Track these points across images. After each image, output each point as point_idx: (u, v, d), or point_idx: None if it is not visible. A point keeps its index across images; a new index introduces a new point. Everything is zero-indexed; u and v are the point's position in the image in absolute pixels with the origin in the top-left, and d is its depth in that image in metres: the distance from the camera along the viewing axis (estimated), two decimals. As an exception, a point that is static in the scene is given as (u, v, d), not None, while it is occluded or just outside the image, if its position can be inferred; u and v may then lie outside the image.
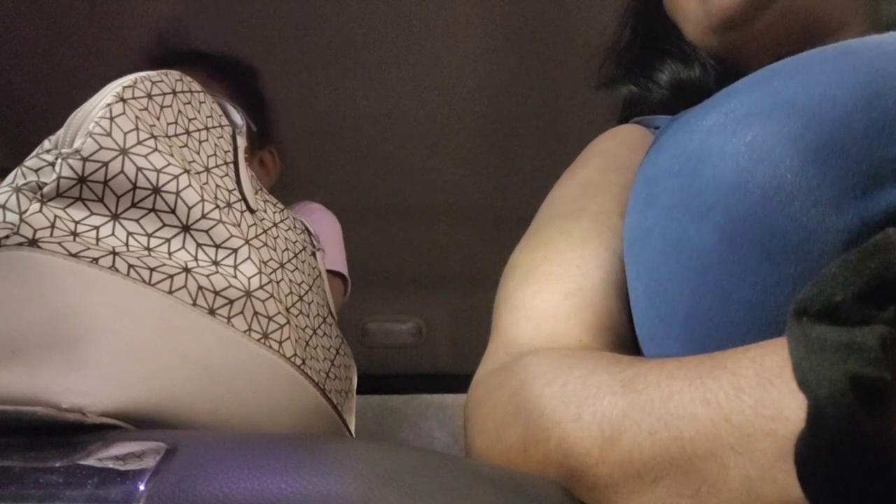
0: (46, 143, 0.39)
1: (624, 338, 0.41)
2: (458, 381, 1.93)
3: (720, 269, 0.32)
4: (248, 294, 0.40)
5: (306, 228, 0.57)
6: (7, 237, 0.34)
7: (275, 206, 0.53)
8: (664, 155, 0.38)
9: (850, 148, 0.30)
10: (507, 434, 0.35)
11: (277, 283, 0.44)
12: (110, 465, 0.30)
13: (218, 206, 0.40)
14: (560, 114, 1.13)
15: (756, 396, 0.26)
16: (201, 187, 0.40)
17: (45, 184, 0.36)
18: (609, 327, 0.41)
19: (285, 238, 0.50)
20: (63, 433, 0.32)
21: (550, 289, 0.43)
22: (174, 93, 0.44)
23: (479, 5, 0.95)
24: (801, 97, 0.33)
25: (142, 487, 0.28)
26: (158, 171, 0.38)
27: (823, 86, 0.32)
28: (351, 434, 0.52)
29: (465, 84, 1.07)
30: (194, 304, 0.37)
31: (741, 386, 0.27)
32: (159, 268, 0.37)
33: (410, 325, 1.60)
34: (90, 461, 0.30)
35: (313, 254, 0.56)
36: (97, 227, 0.37)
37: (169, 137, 0.41)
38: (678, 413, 0.28)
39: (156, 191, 0.38)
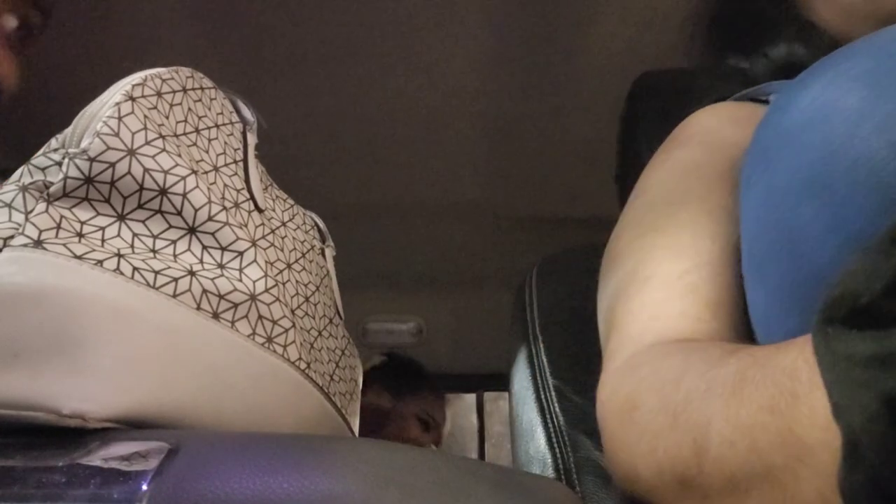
0: (53, 142, 0.39)
1: (743, 311, 0.39)
2: (458, 381, 1.94)
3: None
4: (252, 298, 0.40)
5: (316, 224, 0.57)
6: (12, 237, 0.34)
7: (284, 201, 0.53)
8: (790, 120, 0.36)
9: None
10: (631, 444, 0.35)
11: (283, 284, 0.44)
12: (113, 464, 0.30)
13: (225, 208, 0.40)
14: (560, 114, 1.13)
15: (810, 405, 0.24)
16: (209, 188, 0.40)
17: (52, 183, 0.36)
18: (727, 302, 0.40)
19: (293, 238, 0.50)
20: (65, 433, 0.32)
21: (664, 271, 0.42)
22: (184, 90, 0.43)
23: (479, 6, 0.95)
24: None
25: (144, 487, 0.28)
26: (166, 173, 0.38)
27: None
28: (354, 435, 0.52)
29: (465, 84, 1.07)
30: (198, 308, 0.37)
31: (797, 392, 0.25)
32: (164, 270, 0.37)
33: (410, 325, 1.60)
34: (92, 461, 0.30)
35: (322, 252, 0.56)
36: (103, 228, 0.37)
37: (178, 136, 0.41)
38: (750, 422, 0.27)
39: (163, 192, 0.38)
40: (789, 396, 0.25)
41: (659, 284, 0.41)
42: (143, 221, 0.38)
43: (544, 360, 0.61)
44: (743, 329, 0.39)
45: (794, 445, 0.25)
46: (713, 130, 0.51)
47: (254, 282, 0.40)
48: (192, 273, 0.38)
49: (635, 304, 0.42)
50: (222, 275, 0.39)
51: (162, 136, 0.39)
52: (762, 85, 0.57)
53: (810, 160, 0.33)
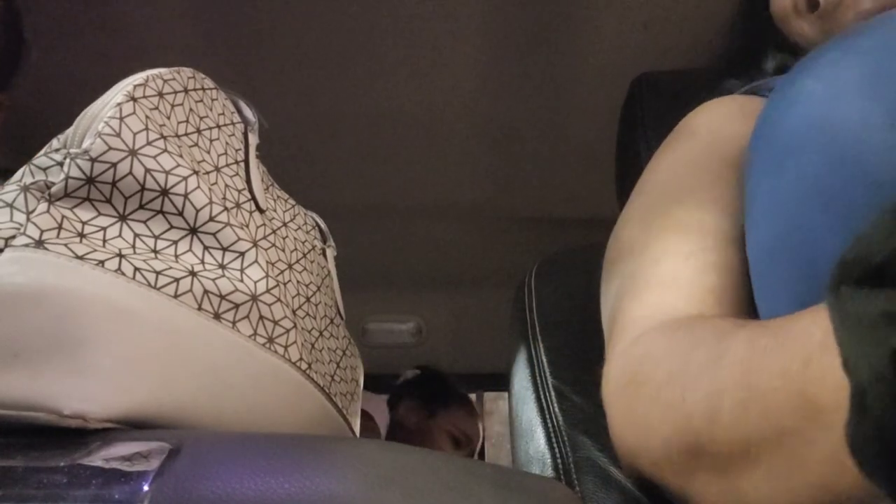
0: (55, 142, 0.39)
1: (747, 300, 0.40)
2: (458, 381, 1.93)
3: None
4: (253, 298, 0.40)
5: (317, 224, 0.57)
6: (13, 237, 0.34)
7: (286, 202, 0.53)
8: (784, 117, 0.37)
9: None
10: (639, 420, 0.35)
11: (285, 284, 0.44)
12: (114, 465, 0.30)
13: (226, 208, 0.40)
14: (560, 114, 1.13)
15: (822, 367, 0.24)
16: (210, 188, 0.40)
17: (53, 183, 0.36)
18: (731, 287, 0.40)
19: (294, 238, 0.50)
20: (66, 433, 0.32)
21: (671, 253, 0.42)
22: (186, 91, 0.43)
23: (479, 6, 0.95)
24: None
25: (145, 488, 0.28)
26: (167, 173, 0.38)
27: None
28: (355, 435, 0.52)
29: (465, 84, 1.07)
30: (199, 309, 0.37)
31: (810, 355, 0.25)
32: (165, 271, 0.37)
33: (410, 324, 1.60)
34: (94, 461, 0.30)
35: (323, 252, 0.56)
36: (104, 228, 0.37)
37: (179, 137, 0.41)
38: (762, 388, 0.27)
39: (164, 192, 0.38)
40: (802, 360, 0.25)
41: (664, 270, 0.42)
42: (144, 222, 0.38)
43: (544, 360, 0.61)
44: (746, 316, 0.39)
45: (807, 408, 0.25)
46: (717, 123, 0.52)
47: (255, 282, 0.40)
48: (193, 273, 0.38)
49: (641, 287, 0.42)
50: (223, 275, 0.39)
51: (163, 137, 0.39)
52: (766, 79, 0.57)
53: (818, 171, 0.33)
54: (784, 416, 0.26)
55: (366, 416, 1.62)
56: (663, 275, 0.42)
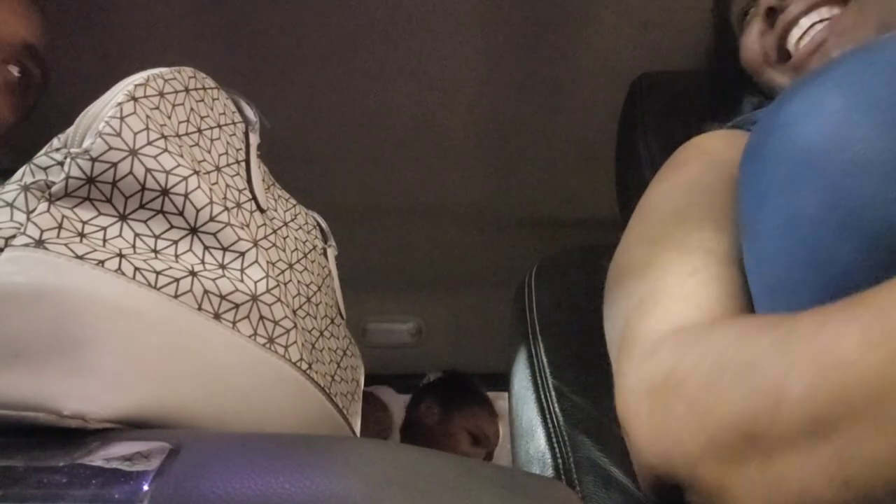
0: (55, 142, 0.39)
1: (749, 306, 0.40)
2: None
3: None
4: (254, 298, 0.40)
5: (318, 224, 0.57)
6: (14, 237, 0.34)
7: (286, 201, 0.53)
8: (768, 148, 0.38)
9: None
10: (673, 423, 0.35)
11: (285, 284, 0.44)
12: (114, 465, 0.30)
13: (227, 208, 0.40)
14: (560, 114, 1.13)
15: None
16: (210, 188, 0.40)
17: (54, 183, 0.36)
18: (736, 296, 0.41)
19: (295, 238, 0.50)
20: (66, 433, 0.32)
21: (674, 271, 0.43)
22: (187, 90, 0.43)
23: (479, 6, 0.95)
24: None
25: (145, 488, 0.28)
26: (168, 173, 0.38)
27: None
28: (355, 435, 0.52)
29: (466, 84, 1.07)
30: (199, 309, 0.37)
31: (890, 332, 0.25)
32: (165, 271, 0.37)
33: (410, 325, 1.60)
34: (93, 461, 0.30)
35: (324, 252, 0.56)
36: (105, 228, 0.37)
37: (179, 137, 0.41)
38: (833, 365, 0.27)
39: (164, 192, 0.38)
40: (882, 332, 0.25)
41: (671, 286, 0.42)
42: (144, 221, 0.38)
43: (544, 360, 0.61)
44: None
45: (883, 386, 0.25)
46: (707, 151, 0.53)
47: (255, 282, 0.40)
48: (193, 273, 0.38)
49: (649, 304, 0.42)
50: (224, 275, 0.39)
51: (164, 137, 0.39)
52: (749, 114, 0.58)
53: (839, 195, 0.33)
54: (855, 393, 0.26)
55: (381, 407, 1.62)
56: (671, 290, 0.42)
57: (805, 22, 0.56)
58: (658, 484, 0.38)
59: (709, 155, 0.53)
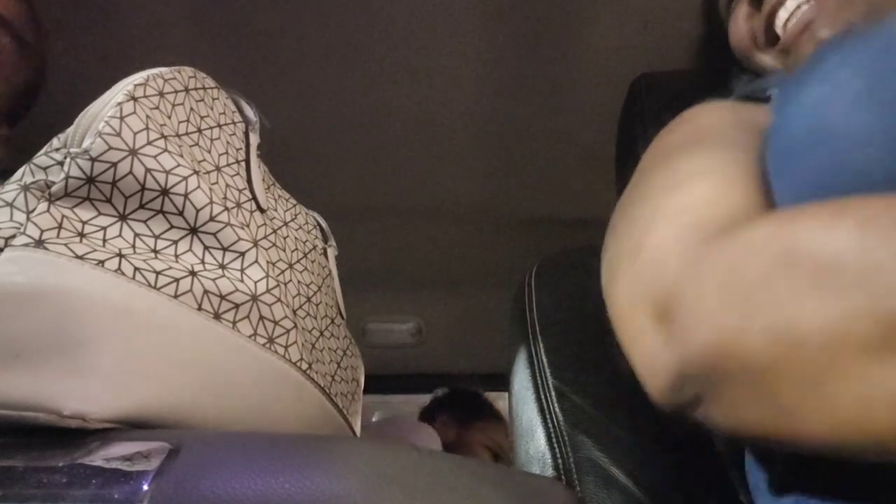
0: (55, 142, 0.39)
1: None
2: (458, 381, 1.92)
3: None
4: (254, 298, 0.40)
5: (318, 224, 0.57)
6: (13, 237, 0.34)
7: (287, 201, 0.53)
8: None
9: None
10: (775, 303, 0.32)
11: (285, 284, 0.44)
12: (114, 465, 0.30)
13: (227, 208, 0.40)
14: (560, 114, 1.13)
15: None
16: (210, 188, 0.40)
17: (54, 183, 0.36)
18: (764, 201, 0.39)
19: (295, 238, 0.50)
20: (66, 433, 0.32)
21: (693, 185, 0.41)
22: (187, 90, 0.43)
23: (479, 6, 0.95)
24: None
25: (145, 487, 0.28)
26: (167, 173, 0.38)
27: None
28: (355, 435, 0.52)
29: (465, 84, 1.07)
30: (199, 309, 0.37)
31: None
32: (165, 271, 0.37)
33: (410, 325, 1.60)
34: (93, 461, 0.31)
35: (324, 252, 0.56)
36: (104, 228, 0.37)
37: (179, 136, 0.41)
38: None
39: (164, 192, 0.38)
40: None
41: (693, 193, 0.40)
42: (144, 221, 0.38)
43: (544, 360, 0.61)
44: None
45: None
46: (709, 111, 0.51)
47: (255, 282, 0.40)
48: (193, 273, 0.38)
49: (670, 214, 0.40)
50: (224, 275, 0.39)
51: (164, 136, 0.39)
52: (761, 81, 0.57)
53: (817, 176, 0.33)
54: None
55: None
56: (694, 202, 0.39)
57: (791, 3, 0.55)
58: (677, 391, 0.36)
59: (707, 113, 0.50)
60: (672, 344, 0.35)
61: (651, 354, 0.37)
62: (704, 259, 0.35)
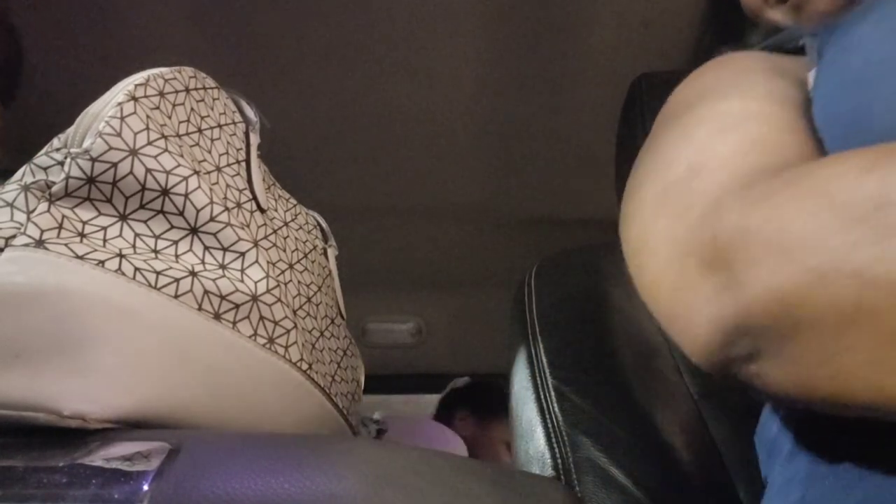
0: (56, 142, 0.39)
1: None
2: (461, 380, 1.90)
3: None
4: (254, 298, 0.40)
5: (319, 224, 0.57)
6: (14, 237, 0.34)
7: (287, 201, 0.53)
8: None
9: None
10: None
11: (285, 284, 0.44)
12: (114, 465, 0.30)
13: (227, 208, 0.40)
14: (560, 114, 1.13)
15: None
16: (210, 188, 0.40)
17: (54, 183, 0.36)
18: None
19: (295, 238, 0.50)
20: (66, 433, 0.32)
21: (744, 128, 0.39)
22: (187, 90, 0.43)
23: (479, 6, 0.95)
24: None
25: (145, 488, 0.28)
26: (168, 173, 0.38)
27: None
28: (355, 435, 0.52)
29: (465, 84, 1.07)
30: (200, 309, 0.37)
31: None
32: (166, 271, 0.37)
33: (410, 325, 1.60)
34: (93, 461, 0.31)
35: (324, 252, 0.56)
36: (105, 228, 0.37)
37: (180, 136, 0.41)
38: None
39: (164, 192, 0.38)
40: None
41: (751, 126, 0.38)
42: (144, 222, 0.38)
43: (544, 360, 0.61)
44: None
45: None
46: (751, 59, 0.48)
47: (255, 282, 0.40)
48: (193, 273, 0.38)
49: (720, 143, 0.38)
50: (224, 275, 0.39)
51: (164, 137, 0.39)
52: (787, 31, 0.56)
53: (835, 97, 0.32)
54: None
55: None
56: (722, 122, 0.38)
57: None
58: (727, 346, 0.33)
59: (745, 60, 0.48)
60: (728, 292, 0.33)
61: (696, 306, 0.34)
62: (771, 201, 0.32)
